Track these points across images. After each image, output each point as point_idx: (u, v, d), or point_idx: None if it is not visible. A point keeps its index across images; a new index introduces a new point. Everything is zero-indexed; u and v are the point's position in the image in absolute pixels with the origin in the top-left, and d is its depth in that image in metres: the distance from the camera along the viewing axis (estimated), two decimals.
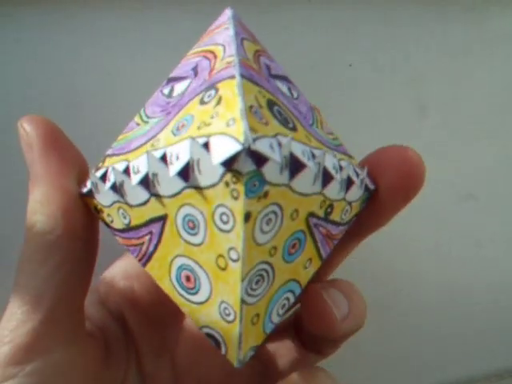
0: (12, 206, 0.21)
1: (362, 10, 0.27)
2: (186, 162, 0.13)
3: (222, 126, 0.12)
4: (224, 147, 0.12)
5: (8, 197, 0.23)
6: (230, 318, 0.15)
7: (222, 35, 0.16)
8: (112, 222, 0.16)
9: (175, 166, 0.13)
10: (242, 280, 0.14)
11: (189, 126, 0.13)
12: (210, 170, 0.13)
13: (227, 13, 0.17)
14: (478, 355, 0.30)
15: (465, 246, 0.29)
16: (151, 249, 0.15)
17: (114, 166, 0.15)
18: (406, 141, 0.27)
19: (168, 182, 0.14)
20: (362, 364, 0.28)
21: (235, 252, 0.13)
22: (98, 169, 0.16)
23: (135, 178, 0.14)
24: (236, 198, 0.13)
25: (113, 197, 0.15)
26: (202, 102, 0.14)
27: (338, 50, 0.26)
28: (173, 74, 0.17)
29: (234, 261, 0.14)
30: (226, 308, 0.15)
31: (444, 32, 0.28)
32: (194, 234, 0.14)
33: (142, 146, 0.15)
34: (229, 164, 0.12)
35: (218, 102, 0.13)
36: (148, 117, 0.16)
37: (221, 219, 0.13)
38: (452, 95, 0.28)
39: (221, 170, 0.12)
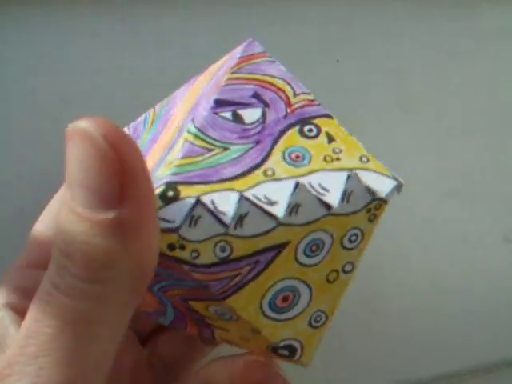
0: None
1: (350, 6, 0.27)
2: (342, 193, 0.15)
3: (356, 162, 0.15)
4: (379, 182, 0.15)
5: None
6: (319, 323, 0.17)
7: (271, 67, 0.17)
8: (197, 257, 0.14)
9: (331, 196, 0.15)
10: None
11: (309, 158, 0.15)
12: (358, 200, 0.15)
13: (256, 44, 0.17)
14: (464, 350, 0.31)
15: (450, 241, 0.29)
16: (247, 279, 0.15)
17: (228, 196, 0.14)
18: (390, 136, 0.27)
19: (309, 210, 0.15)
20: (347, 365, 0.29)
21: (351, 265, 0.16)
22: (169, 200, 0.14)
23: (277, 209, 0.14)
24: (371, 221, 0.16)
25: (217, 229, 0.14)
26: (305, 136, 0.16)
27: (325, 45, 0.26)
28: (222, 97, 0.16)
29: (347, 272, 0.16)
30: (319, 315, 0.17)
31: (431, 28, 0.28)
32: (314, 256, 0.16)
33: (246, 174, 0.15)
34: (375, 195, 0.15)
35: (331, 139, 0.16)
36: (220, 141, 0.15)
37: (350, 239, 0.16)
38: (437, 92, 0.29)
39: (368, 199, 0.15)
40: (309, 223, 0.15)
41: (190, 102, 0.17)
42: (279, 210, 0.14)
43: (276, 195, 0.14)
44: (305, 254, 0.16)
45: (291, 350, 0.17)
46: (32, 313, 0.13)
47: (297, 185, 0.15)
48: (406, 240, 0.29)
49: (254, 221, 0.14)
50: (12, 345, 0.13)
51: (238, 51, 0.17)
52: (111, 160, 0.11)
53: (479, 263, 0.30)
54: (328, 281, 0.16)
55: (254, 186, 0.14)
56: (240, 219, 0.14)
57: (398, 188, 0.16)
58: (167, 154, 0.15)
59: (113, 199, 0.12)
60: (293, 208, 0.15)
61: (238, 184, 0.14)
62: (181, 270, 0.15)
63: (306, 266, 0.16)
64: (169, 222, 0.14)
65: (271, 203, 0.14)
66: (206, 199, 0.14)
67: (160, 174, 0.15)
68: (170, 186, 0.14)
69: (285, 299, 0.16)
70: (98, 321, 0.12)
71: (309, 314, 0.17)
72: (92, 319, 0.12)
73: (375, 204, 0.16)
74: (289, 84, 0.17)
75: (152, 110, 0.20)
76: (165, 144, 0.16)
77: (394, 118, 0.28)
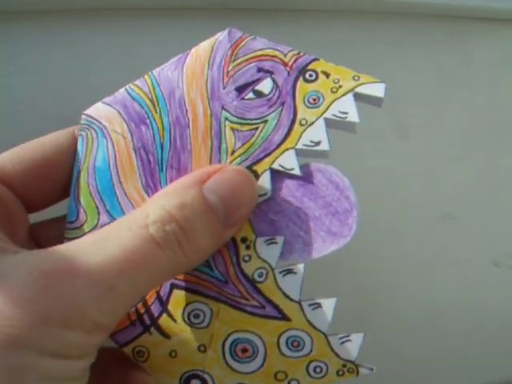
0: None
1: (347, 33, 0.27)
2: (355, 109, 0.19)
3: (352, 82, 0.19)
4: (374, 88, 0.19)
5: None
6: None
7: (256, 43, 0.20)
8: (246, 261, 0.18)
9: (351, 117, 0.19)
10: None
11: (322, 97, 0.19)
12: (346, 352, 0.18)
13: (235, 31, 0.20)
14: (454, 371, 0.31)
15: (441, 265, 0.30)
16: (247, 309, 0.18)
17: (288, 155, 0.19)
18: (387, 161, 0.28)
19: (321, 318, 0.19)
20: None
21: (296, 382, 0.18)
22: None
23: (322, 145, 0.19)
24: (339, 375, 0.18)
25: (273, 261, 0.18)
26: (309, 81, 0.19)
27: None
28: (238, 83, 0.19)
29: None
30: None
31: (428, 55, 0.29)
32: (290, 349, 0.18)
33: (289, 132, 0.19)
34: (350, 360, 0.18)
35: (328, 74, 0.19)
36: (258, 118, 0.19)
37: (315, 369, 0.18)
38: (433, 117, 0.29)
39: (350, 357, 0.18)
40: (312, 325, 0.18)
41: (199, 86, 0.19)
42: (324, 145, 0.18)
43: (317, 136, 0.18)
44: (287, 341, 0.18)
45: (203, 382, 0.18)
46: None
47: (325, 120, 0.18)
48: (397, 263, 0.29)
49: (293, 283, 0.18)
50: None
51: (224, 42, 0.20)
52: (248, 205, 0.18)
53: (469, 287, 0.30)
54: (275, 376, 0.18)
55: (299, 138, 0.18)
56: (289, 271, 0.18)
57: (386, 89, 0.19)
58: (221, 143, 0.19)
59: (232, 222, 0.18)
60: (315, 305, 0.18)
61: (289, 142, 0.18)
62: (224, 257, 0.18)
63: (278, 348, 0.18)
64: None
65: (317, 144, 0.18)
66: (275, 166, 0.18)
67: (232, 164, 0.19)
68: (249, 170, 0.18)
69: (244, 351, 0.18)
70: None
71: (240, 379, 0.18)
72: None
73: (350, 367, 0.18)
74: (276, 49, 0.19)
75: (129, 86, 0.20)
76: (205, 130, 0.19)
77: (389, 143, 0.28)
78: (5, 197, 0.19)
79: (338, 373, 0.18)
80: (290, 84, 0.19)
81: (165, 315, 0.18)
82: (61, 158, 0.19)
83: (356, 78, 0.19)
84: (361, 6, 0.27)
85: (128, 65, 0.24)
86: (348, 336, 0.18)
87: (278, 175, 0.18)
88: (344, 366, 0.18)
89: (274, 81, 0.19)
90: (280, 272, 0.18)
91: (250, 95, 0.19)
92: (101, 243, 0.15)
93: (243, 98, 0.19)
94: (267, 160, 0.18)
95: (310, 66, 0.19)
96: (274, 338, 0.18)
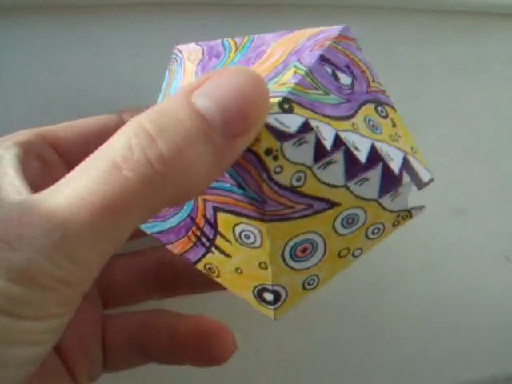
0: None
1: (361, 30, 0.28)
2: (401, 164, 0.17)
3: (409, 150, 0.18)
4: (421, 171, 0.17)
5: None
6: (310, 287, 0.18)
7: (358, 53, 0.19)
8: (278, 173, 0.16)
9: (393, 165, 0.17)
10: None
11: (380, 130, 0.17)
12: (399, 203, 0.18)
13: (350, 30, 0.19)
14: (464, 365, 0.31)
15: (452, 259, 0.30)
16: (295, 215, 0.17)
17: (328, 129, 0.16)
18: None
19: (369, 189, 0.17)
20: (347, 368, 0.29)
21: (360, 251, 0.18)
22: (284, 110, 0.15)
23: (360, 155, 0.16)
24: (394, 226, 0.18)
25: (308, 161, 0.16)
26: (378, 114, 0.18)
27: None
28: (326, 55, 0.17)
29: (355, 256, 0.18)
30: (313, 280, 0.18)
31: (440, 52, 0.29)
32: (346, 228, 0.18)
33: (341, 119, 0.16)
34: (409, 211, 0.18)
35: (394, 125, 0.18)
36: (324, 86, 0.17)
37: (373, 231, 0.18)
38: (447, 113, 0.29)
39: (404, 206, 0.18)
40: (361, 198, 0.17)
41: (287, 46, 0.18)
42: (362, 157, 0.16)
43: (359, 145, 0.16)
44: (342, 221, 0.17)
45: (276, 296, 0.18)
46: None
47: (373, 145, 0.17)
48: (408, 257, 0.29)
49: (335, 171, 0.16)
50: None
51: (336, 28, 0.19)
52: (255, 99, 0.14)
53: (480, 281, 0.30)
54: (339, 254, 0.18)
55: (345, 131, 0.16)
56: (328, 163, 0.16)
57: (430, 181, 0.18)
58: (274, 77, 0.17)
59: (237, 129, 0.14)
60: (361, 180, 0.17)
61: (335, 123, 0.16)
62: (254, 176, 0.16)
63: (335, 231, 0.18)
64: (285, 126, 0.15)
65: (356, 149, 0.16)
66: (312, 123, 0.15)
67: (273, 89, 0.16)
68: (287, 100, 0.15)
69: (304, 250, 0.17)
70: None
71: (309, 274, 0.18)
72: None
73: (404, 214, 0.18)
74: (370, 71, 0.19)
75: (229, 39, 0.20)
76: (265, 69, 0.17)
77: None
78: (54, 163, 0.18)
79: (393, 224, 0.18)
80: (364, 98, 0.18)
81: (218, 237, 0.18)
82: (110, 134, 0.19)
83: (413, 149, 0.18)
84: (373, 2, 0.27)
85: (144, 60, 0.25)
86: (397, 191, 0.17)
87: (310, 137, 0.15)
88: (398, 216, 0.18)
89: (353, 83, 0.18)
90: (319, 167, 0.16)
91: (328, 70, 0.17)
92: (63, 185, 0.13)
93: (322, 65, 0.17)
94: (308, 112, 0.15)
95: (385, 107, 0.18)
96: (329, 225, 0.17)
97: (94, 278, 0.14)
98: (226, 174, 0.17)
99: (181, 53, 0.20)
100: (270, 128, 0.15)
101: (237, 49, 0.19)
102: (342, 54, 0.18)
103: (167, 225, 0.19)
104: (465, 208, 0.30)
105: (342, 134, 0.16)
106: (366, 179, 0.17)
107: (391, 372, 0.30)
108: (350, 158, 0.16)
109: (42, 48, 0.23)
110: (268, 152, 0.15)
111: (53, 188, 0.13)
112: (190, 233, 0.19)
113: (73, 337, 0.20)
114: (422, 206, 0.18)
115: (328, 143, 0.15)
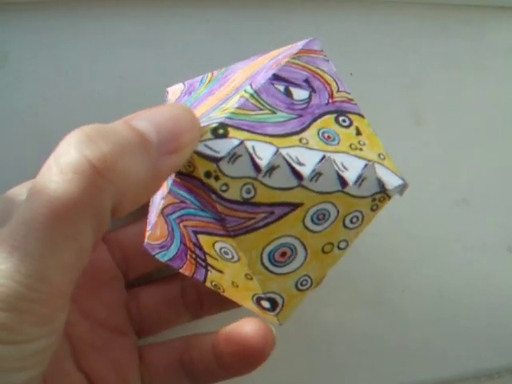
0: None
1: (364, 22, 0.28)
2: (358, 176, 0.17)
3: (375, 157, 0.18)
4: (389, 178, 0.17)
5: None
6: (304, 287, 0.19)
7: (324, 64, 0.19)
8: (225, 191, 0.16)
9: (348, 175, 0.17)
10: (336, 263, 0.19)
11: (338, 141, 0.17)
12: (367, 187, 0.17)
13: (316, 43, 0.20)
14: (467, 356, 0.31)
15: (455, 250, 0.30)
16: (259, 225, 0.17)
17: (267, 147, 0.16)
18: (403, 147, 0.28)
19: (327, 181, 0.17)
20: (354, 359, 0.29)
21: (345, 243, 0.18)
22: (218, 136, 0.16)
23: (303, 170, 0.17)
24: (373, 210, 0.18)
25: (250, 173, 0.16)
26: (339, 124, 0.18)
27: (339, 59, 0.27)
28: (280, 73, 0.18)
29: (341, 249, 0.18)
30: (305, 280, 0.19)
31: (442, 44, 0.29)
32: (319, 224, 0.18)
33: (286, 136, 0.17)
34: (383, 187, 0.17)
35: (359, 133, 0.18)
36: (269, 105, 0.17)
37: (351, 220, 0.18)
38: (448, 105, 0.29)
39: (376, 189, 0.17)
40: (324, 193, 0.17)
41: (249, 71, 0.19)
42: (305, 171, 0.17)
43: (305, 159, 0.17)
44: (312, 219, 0.18)
45: (273, 303, 0.19)
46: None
47: (324, 157, 0.17)
48: (411, 248, 0.29)
49: (282, 175, 0.16)
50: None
51: (299, 44, 0.19)
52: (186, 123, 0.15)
53: (483, 272, 0.31)
54: (323, 251, 0.18)
55: (289, 147, 0.17)
56: (271, 169, 0.16)
57: (403, 188, 0.18)
58: (223, 104, 0.18)
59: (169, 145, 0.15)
60: (315, 175, 0.17)
61: (277, 141, 0.17)
62: (206, 199, 0.17)
63: (309, 230, 0.18)
64: (214, 151, 0.16)
65: (300, 164, 0.17)
66: (248, 144, 0.16)
67: (214, 116, 0.17)
68: (222, 125, 0.16)
69: (283, 255, 0.18)
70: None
71: (298, 275, 0.19)
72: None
73: (380, 196, 0.18)
74: (335, 81, 0.19)
75: (210, 73, 0.21)
76: (220, 97, 0.18)
77: (404, 129, 0.29)
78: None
79: (372, 209, 0.18)
80: (320, 111, 0.18)
81: (208, 256, 0.19)
82: None
83: (381, 156, 0.18)
84: None
85: (147, 55, 0.25)
86: (361, 177, 0.17)
87: (242, 150, 0.16)
88: (373, 200, 0.18)
89: (309, 97, 0.18)
90: (264, 176, 0.16)
91: (280, 88, 0.18)
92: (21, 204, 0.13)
93: (272, 84, 0.18)
94: (245, 134, 0.16)
95: (350, 115, 0.18)
96: (299, 226, 0.17)
97: (66, 291, 0.14)
98: (188, 201, 0.17)
99: (168, 94, 0.21)
100: (201, 155, 0.16)
101: (209, 81, 0.20)
102: (301, 69, 0.19)
103: (171, 253, 0.20)
104: (467, 199, 0.30)
105: (284, 151, 0.16)
106: (319, 174, 0.17)
107: (392, 364, 0.30)
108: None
109: (48, 43, 0.24)
110: (207, 175, 0.16)
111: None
112: (188, 256, 0.20)
113: (108, 366, 0.21)
114: (404, 184, 0.18)
115: (264, 162, 0.16)
